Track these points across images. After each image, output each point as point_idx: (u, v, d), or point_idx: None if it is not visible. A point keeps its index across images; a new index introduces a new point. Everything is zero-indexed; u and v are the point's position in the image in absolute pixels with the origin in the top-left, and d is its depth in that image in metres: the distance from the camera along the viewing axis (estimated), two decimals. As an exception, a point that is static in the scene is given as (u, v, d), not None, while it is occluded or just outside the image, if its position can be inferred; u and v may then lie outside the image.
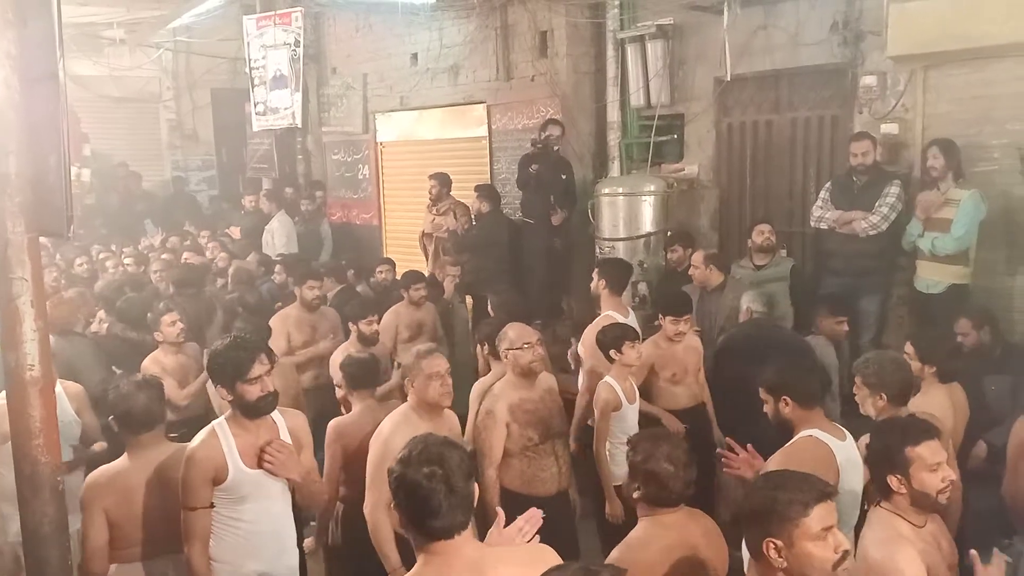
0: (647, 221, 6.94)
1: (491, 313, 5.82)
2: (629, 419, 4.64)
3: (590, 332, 5.21)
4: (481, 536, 2.60)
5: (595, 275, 5.45)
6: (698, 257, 5.89)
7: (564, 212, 7.52)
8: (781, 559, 2.22)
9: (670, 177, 7.27)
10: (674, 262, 6.56)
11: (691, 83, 7.31)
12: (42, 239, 2.89)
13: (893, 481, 2.71)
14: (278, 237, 9.42)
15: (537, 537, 2.58)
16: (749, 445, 3.52)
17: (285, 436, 3.41)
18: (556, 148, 7.45)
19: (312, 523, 4.58)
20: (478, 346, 4.97)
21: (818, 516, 2.21)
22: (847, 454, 3.34)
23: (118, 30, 11.51)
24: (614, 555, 2.72)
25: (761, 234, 6.14)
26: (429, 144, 9.62)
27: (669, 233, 6.84)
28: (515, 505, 3.95)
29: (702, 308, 5.83)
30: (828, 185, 6.11)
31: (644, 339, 4.89)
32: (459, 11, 8.63)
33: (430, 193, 8.30)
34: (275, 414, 3.41)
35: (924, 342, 4.06)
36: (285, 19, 10.01)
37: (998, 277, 5.65)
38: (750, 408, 3.77)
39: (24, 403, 2.76)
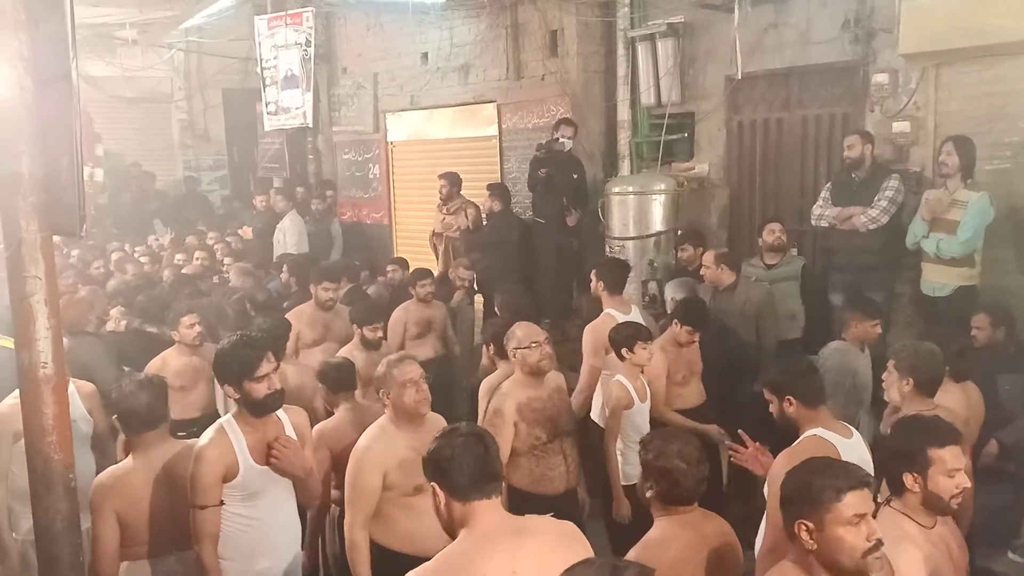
0: (657, 220, 6.93)
1: (497, 312, 5.82)
2: (640, 418, 4.65)
3: (589, 331, 5.22)
4: None
5: (593, 277, 5.45)
6: (709, 256, 5.87)
7: (578, 212, 7.52)
8: (812, 541, 2.30)
9: (680, 176, 7.26)
10: (684, 261, 6.54)
11: (702, 81, 7.30)
12: (55, 238, 2.91)
13: (908, 479, 2.71)
14: (289, 236, 9.45)
15: None
16: (757, 442, 3.52)
17: (290, 432, 3.44)
18: (568, 150, 7.43)
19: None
20: (484, 345, 4.98)
21: (851, 503, 2.27)
22: (853, 452, 3.32)
23: (130, 31, 11.59)
24: (633, 556, 2.71)
25: (772, 233, 6.11)
26: (439, 143, 9.63)
27: (679, 232, 6.83)
28: (524, 504, 3.97)
29: (714, 308, 5.80)
30: (828, 184, 6.10)
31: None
32: (469, 10, 8.64)
33: (440, 192, 8.32)
34: (279, 411, 3.43)
35: (933, 340, 4.04)
36: (296, 19, 10.04)
37: (1009, 276, 5.60)
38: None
39: (37, 400, 2.78)
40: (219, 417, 3.64)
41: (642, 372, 4.65)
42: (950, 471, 2.67)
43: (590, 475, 4.61)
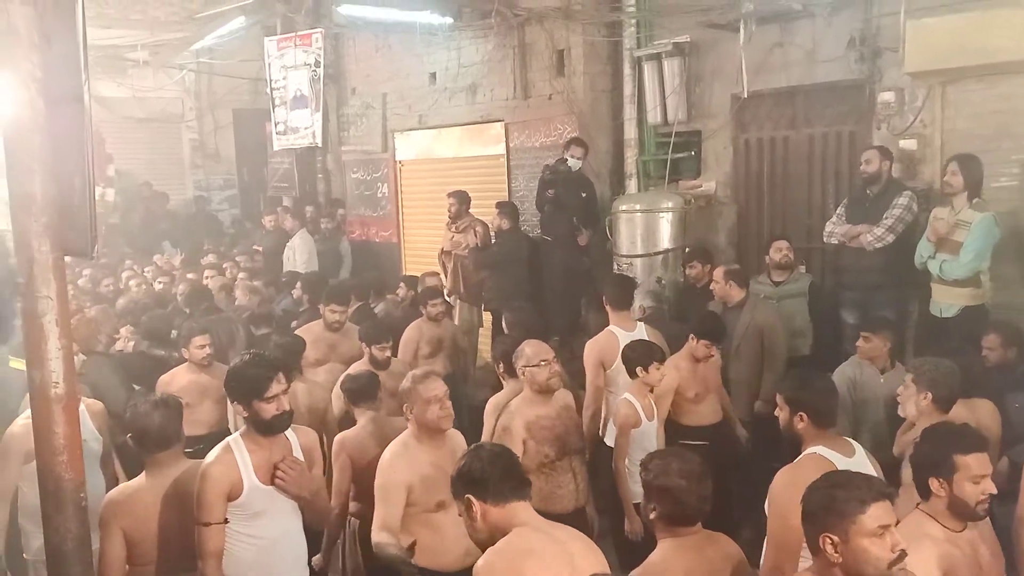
0: (665, 238, 6.94)
1: (506, 330, 5.83)
2: (649, 436, 4.64)
3: (589, 348, 5.22)
4: None
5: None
6: (719, 272, 5.87)
7: (589, 232, 7.53)
8: (837, 554, 2.31)
9: (687, 194, 7.28)
10: (693, 278, 6.55)
11: (708, 100, 7.32)
12: (67, 258, 2.94)
13: (934, 484, 2.78)
14: (299, 255, 9.49)
15: None
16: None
17: (298, 453, 3.44)
18: (575, 169, 7.44)
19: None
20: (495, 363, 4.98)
21: (875, 514, 2.28)
22: (855, 470, 3.30)
23: (142, 52, 11.70)
24: None
25: (779, 251, 6.11)
26: (447, 162, 9.68)
27: (687, 249, 6.84)
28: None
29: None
30: (845, 201, 6.10)
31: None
32: (477, 30, 8.70)
33: (449, 211, 8.35)
34: (288, 431, 3.44)
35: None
36: (305, 40, 10.12)
37: (1018, 294, 5.55)
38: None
39: (49, 420, 2.79)
40: (228, 435, 3.65)
41: (651, 391, 4.65)
42: (975, 477, 2.73)
43: (599, 494, 4.60)
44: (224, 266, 9.01)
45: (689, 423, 5.01)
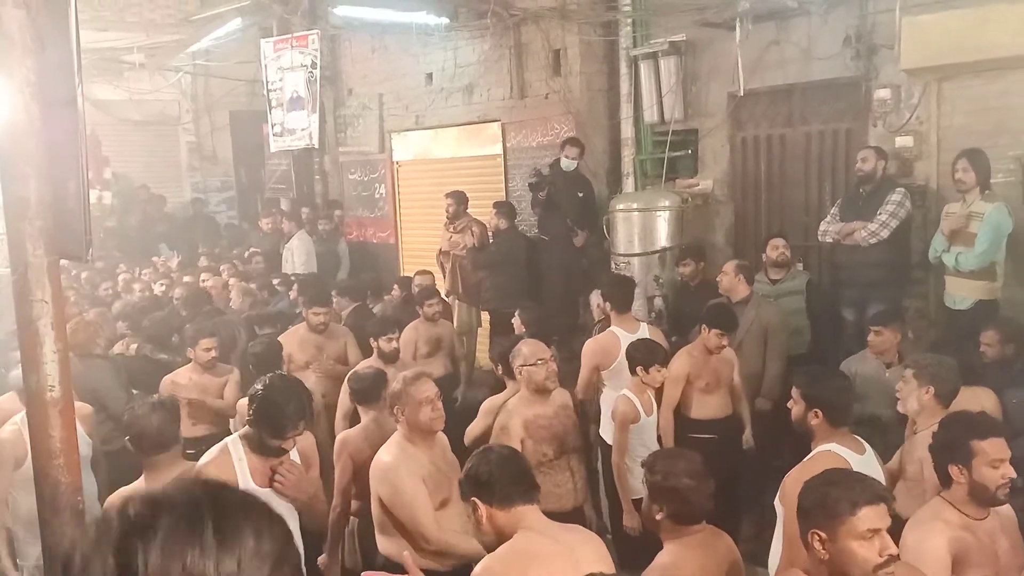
0: (662, 236, 6.94)
1: (517, 328, 5.81)
2: (647, 432, 4.66)
3: (589, 346, 5.27)
4: None
5: (600, 297, 5.47)
6: (729, 266, 5.84)
7: (585, 232, 7.53)
8: (824, 551, 2.31)
9: (685, 192, 7.28)
10: (687, 276, 6.55)
11: (704, 98, 7.33)
12: (64, 262, 2.93)
13: (954, 471, 2.83)
14: (298, 256, 9.50)
15: None
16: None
17: (295, 456, 3.43)
18: (569, 170, 7.43)
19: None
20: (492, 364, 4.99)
21: (866, 517, 2.28)
22: (866, 468, 3.31)
23: (138, 55, 11.67)
24: None
25: (775, 249, 6.12)
26: (445, 163, 9.68)
27: (681, 248, 6.84)
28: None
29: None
30: (839, 200, 6.10)
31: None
32: (473, 31, 8.70)
33: (447, 211, 8.35)
34: None
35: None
36: (302, 41, 10.11)
37: (1017, 288, 5.56)
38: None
39: (45, 424, 2.79)
40: (229, 434, 3.64)
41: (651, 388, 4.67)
42: (994, 462, 2.77)
43: (597, 492, 4.60)
44: (221, 268, 9.00)
45: (697, 416, 5.02)
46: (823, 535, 2.31)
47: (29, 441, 2.87)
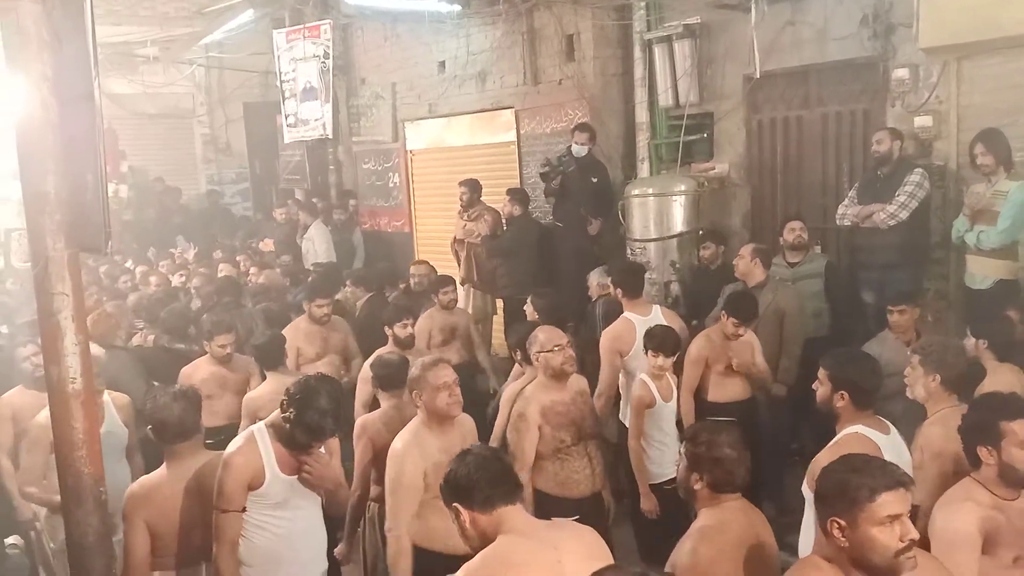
0: (678, 221, 6.90)
1: (529, 315, 5.81)
2: (664, 417, 4.65)
3: (606, 336, 5.23)
4: None
5: (609, 284, 5.47)
6: (746, 249, 5.81)
7: (599, 219, 7.49)
8: (843, 539, 2.29)
9: (700, 176, 7.23)
10: (707, 259, 6.55)
11: (720, 81, 7.26)
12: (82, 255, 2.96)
13: (983, 452, 2.85)
14: (319, 245, 9.55)
15: None
16: None
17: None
18: (580, 155, 7.39)
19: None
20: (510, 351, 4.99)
21: (886, 503, 2.25)
22: (892, 448, 3.30)
23: (152, 48, 11.73)
24: (689, 545, 2.68)
25: (792, 231, 6.07)
26: (458, 150, 9.66)
27: (701, 232, 6.81)
28: (549, 507, 3.99)
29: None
30: (857, 183, 6.05)
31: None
32: (485, 17, 8.67)
33: (461, 199, 8.34)
34: None
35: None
36: (314, 32, 10.12)
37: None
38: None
39: (67, 415, 2.83)
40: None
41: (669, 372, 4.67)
42: (1023, 443, 2.78)
43: (616, 478, 4.60)
44: (237, 259, 9.05)
45: (715, 399, 4.99)
46: (842, 522, 2.28)
47: (52, 433, 2.91)
